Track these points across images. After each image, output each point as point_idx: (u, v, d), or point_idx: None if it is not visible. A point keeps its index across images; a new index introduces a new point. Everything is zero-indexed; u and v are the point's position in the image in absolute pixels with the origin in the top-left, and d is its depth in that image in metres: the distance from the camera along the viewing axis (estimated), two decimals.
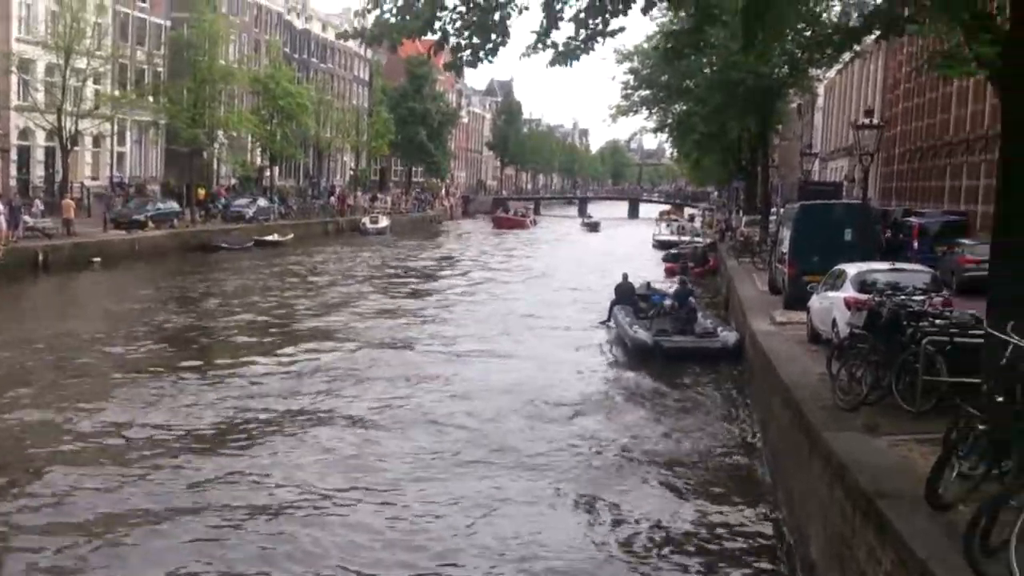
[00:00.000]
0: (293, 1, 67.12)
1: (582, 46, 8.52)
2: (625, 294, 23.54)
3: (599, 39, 8.53)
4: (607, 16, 8.32)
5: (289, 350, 19.46)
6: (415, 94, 76.26)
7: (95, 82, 40.90)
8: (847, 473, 7.75)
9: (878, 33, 10.66)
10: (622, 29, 8.54)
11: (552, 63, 8.62)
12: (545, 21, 8.51)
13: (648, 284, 25.26)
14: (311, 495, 10.86)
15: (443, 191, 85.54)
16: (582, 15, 8.36)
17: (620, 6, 8.26)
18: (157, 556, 9.09)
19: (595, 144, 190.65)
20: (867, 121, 19.01)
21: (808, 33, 17.25)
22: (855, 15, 11.37)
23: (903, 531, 6.18)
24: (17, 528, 9.67)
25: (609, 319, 23.05)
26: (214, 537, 9.60)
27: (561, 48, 8.54)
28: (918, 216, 25.59)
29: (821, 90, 53.29)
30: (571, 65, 8.67)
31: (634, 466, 12.53)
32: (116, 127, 45.47)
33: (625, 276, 24.55)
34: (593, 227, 72.30)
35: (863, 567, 7.02)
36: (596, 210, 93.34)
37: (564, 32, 8.58)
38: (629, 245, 52.56)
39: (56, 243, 31.68)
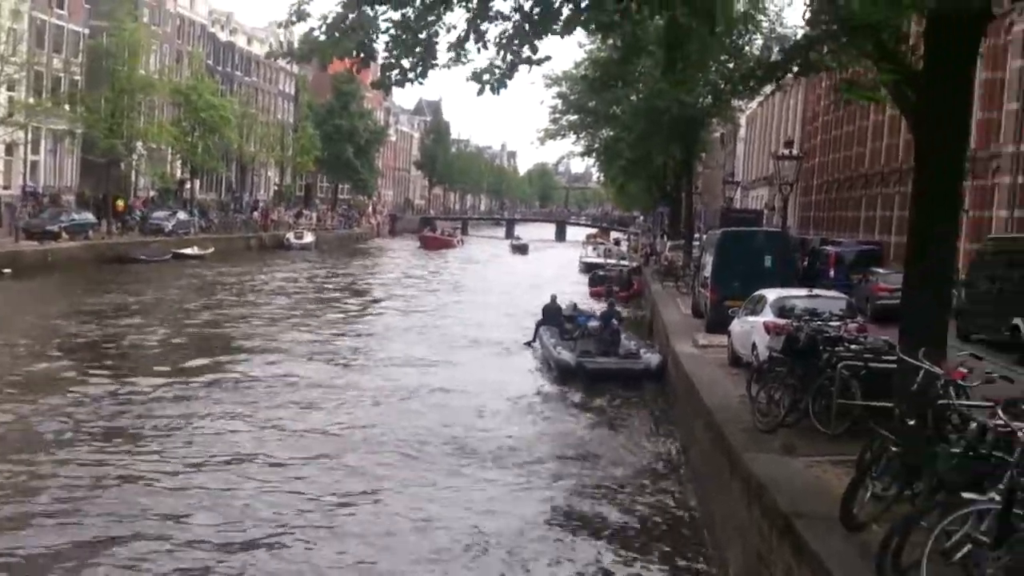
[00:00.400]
0: (217, 14, 66.12)
1: (507, 72, 8.53)
2: (552, 315, 23.66)
3: (524, 66, 8.56)
4: (530, 40, 8.36)
5: (205, 364, 19.05)
6: (342, 111, 75.70)
7: (9, 89, 39.60)
8: (765, 493, 7.90)
9: (797, 69, 11.02)
10: (548, 58, 8.59)
11: (480, 92, 8.59)
12: (472, 38, 8.49)
13: (575, 306, 25.42)
14: (202, 507, 10.68)
15: (370, 208, 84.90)
16: (505, 40, 8.38)
17: (541, 28, 8.30)
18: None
19: (523, 166, 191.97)
20: (787, 152, 19.53)
21: (731, 65, 17.67)
22: (776, 50, 11.72)
23: (819, 551, 6.30)
24: None
25: (535, 340, 23.11)
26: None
27: (486, 76, 8.52)
28: (834, 245, 26.39)
29: (743, 120, 54.74)
30: (498, 92, 8.68)
31: (558, 486, 12.53)
32: (30, 135, 43.95)
33: (553, 297, 24.65)
34: (521, 249, 70.79)
35: None
36: (523, 231, 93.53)
37: (488, 57, 8.60)
38: (556, 267, 52.91)
39: None
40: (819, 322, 11.42)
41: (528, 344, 23.35)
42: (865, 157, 33.45)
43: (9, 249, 33.11)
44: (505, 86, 8.55)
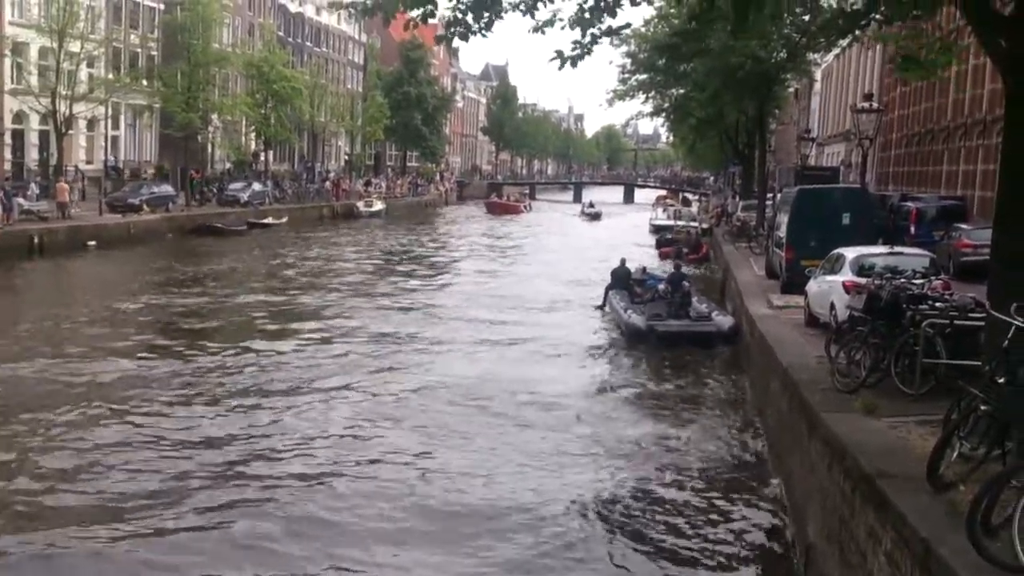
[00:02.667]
0: None
1: (588, 47, 8.45)
2: (621, 279, 23.52)
3: (602, 39, 8.48)
4: (610, 9, 8.25)
5: (286, 335, 19.49)
6: (410, 78, 75.92)
7: (89, 65, 40.67)
8: (846, 454, 7.78)
9: (879, 18, 10.62)
10: (628, 25, 8.49)
11: (560, 67, 8.55)
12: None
13: (644, 269, 25.22)
14: (308, 477, 10.90)
15: (438, 176, 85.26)
16: (585, 15, 8.28)
17: (617, 3, 8.19)
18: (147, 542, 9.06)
19: (591, 129, 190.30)
20: (866, 105, 18.93)
21: (807, 17, 17.14)
22: None
23: (905, 510, 6.19)
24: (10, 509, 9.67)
25: (604, 304, 23.05)
26: (210, 525, 9.52)
27: (567, 54, 8.46)
28: (915, 201, 25.55)
29: (819, 75, 53.16)
30: (577, 66, 8.62)
31: (633, 448, 12.57)
32: (110, 111, 45.24)
33: (623, 261, 24.51)
34: (594, 217, 65.87)
35: (862, 547, 7.05)
36: (591, 195, 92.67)
37: (568, 34, 8.57)
38: (625, 230, 52.57)
39: (51, 226, 31.57)
40: (901, 280, 11.13)
41: (598, 308, 23.32)
42: (947, 109, 32.25)
43: (94, 222, 34.20)
44: (584, 59, 8.49)
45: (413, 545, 9.28)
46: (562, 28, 8.40)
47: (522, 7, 8.24)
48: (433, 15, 8.21)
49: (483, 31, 8.25)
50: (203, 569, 8.55)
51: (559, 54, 8.38)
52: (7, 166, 39.46)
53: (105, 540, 9.07)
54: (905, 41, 11.22)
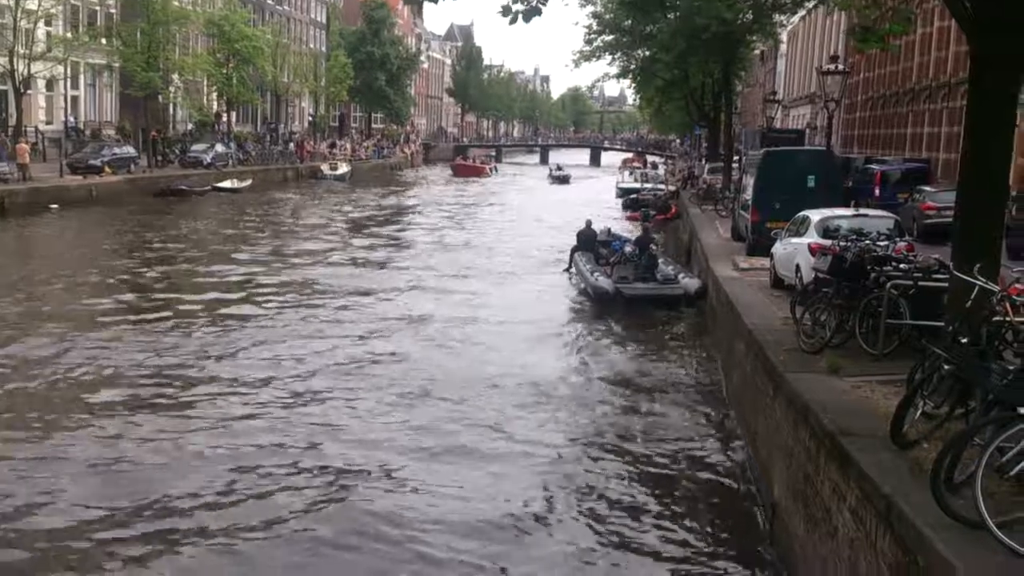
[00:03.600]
0: None
1: (538, 3, 8.33)
2: (587, 241, 23.49)
3: None
4: None
5: (249, 299, 19.27)
6: (373, 38, 74.92)
7: (47, 23, 39.64)
8: (810, 413, 7.91)
9: None
10: None
11: (512, 21, 8.43)
12: None
13: (609, 231, 25.17)
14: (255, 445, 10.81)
15: (403, 138, 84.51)
16: None
17: None
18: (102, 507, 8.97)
19: (556, 91, 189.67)
20: (832, 67, 19.03)
21: None
22: None
23: (868, 467, 6.33)
24: None
25: (570, 266, 23.09)
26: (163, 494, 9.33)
27: (516, 5, 8.33)
28: (880, 163, 25.83)
29: (784, 37, 53.23)
30: (529, 21, 8.50)
31: (598, 411, 12.68)
32: (69, 70, 44.16)
33: (588, 223, 24.47)
34: (562, 180, 64.91)
35: (827, 504, 7.21)
36: (557, 157, 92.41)
37: None
38: (591, 193, 52.56)
39: (12, 188, 30.93)
40: (866, 242, 11.27)
41: (565, 271, 23.36)
42: (912, 72, 32.49)
43: (55, 184, 33.55)
44: (539, 13, 8.38)
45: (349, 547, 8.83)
46: None
47: None
48: None
49: None
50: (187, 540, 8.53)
51: (508, 10, 8.27)
52: None
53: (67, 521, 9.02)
54: (865, 10, 11.29)
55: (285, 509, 9.09)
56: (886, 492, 5.89)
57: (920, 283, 9.62)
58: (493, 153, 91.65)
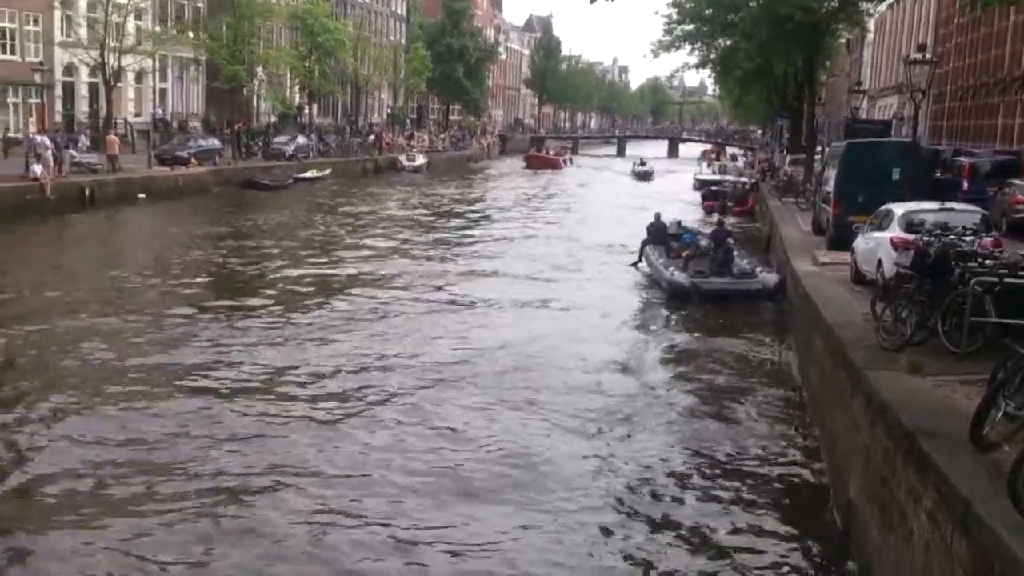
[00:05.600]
0: None
1: None
2: (657, 233, 23.19)
3: None
4: None
5: (330, 292, 19.52)
6: (452, 30, 75.37)
7: (137, 18, 40.99)
8: (889, 412, 7.73)
9: None
10: None
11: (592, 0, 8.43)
12: None
13: (679, 223, 24.77)
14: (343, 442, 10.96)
15: (480, 130, 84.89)
16: None
17: None
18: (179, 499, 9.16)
19: (635, 81, 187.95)
20: (919, 56, 18.43)
21: None
22: None
23: (946, 469, 6.17)
24: (43, 455, 9.96)
25: (640, 259, 22.88)
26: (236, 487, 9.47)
27: None
28: (969, 155, 24.92)
29: (871, 25, 51.75)
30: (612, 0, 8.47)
31: (675, 407, 12.61)
32: (158, 63, 45.63)
33: (658, 216, 24.14)
34: (644, 176, 59.47)
35: (903, 506, 7.04)
36: (635, 149, 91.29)
37: None
38: (669, 184, 51.99)
39: (102, 178, 32.08)
40: (951, 236, 10.94)
41: (634, 264, 23.16)
42: (1004, 60, 31.26)
43: (143, 175, 34.69)
44: None
45: (444, 505, 9.20)
46: None
47: None
48: None
49: None
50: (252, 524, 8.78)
51: None
52: (58, 118, 40.08)
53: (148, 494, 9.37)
54: None
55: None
56: (964, 495, 5.73)
57: (1006, 280, 9.30)
58: (569, 145, 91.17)
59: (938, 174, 22.80)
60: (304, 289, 19.54)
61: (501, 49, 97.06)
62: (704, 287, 19.15)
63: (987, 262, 9.85)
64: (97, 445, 10.28)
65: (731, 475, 10.23)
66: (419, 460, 10.25)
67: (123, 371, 13.01)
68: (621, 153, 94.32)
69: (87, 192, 30.38)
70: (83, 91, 42.33)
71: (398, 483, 9.59)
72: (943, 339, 9.54)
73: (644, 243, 23.02)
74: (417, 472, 9.91)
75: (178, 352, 14.04)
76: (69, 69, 41.06)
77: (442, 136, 73.57)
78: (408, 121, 77.19)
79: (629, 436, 11.31)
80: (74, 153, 32.75)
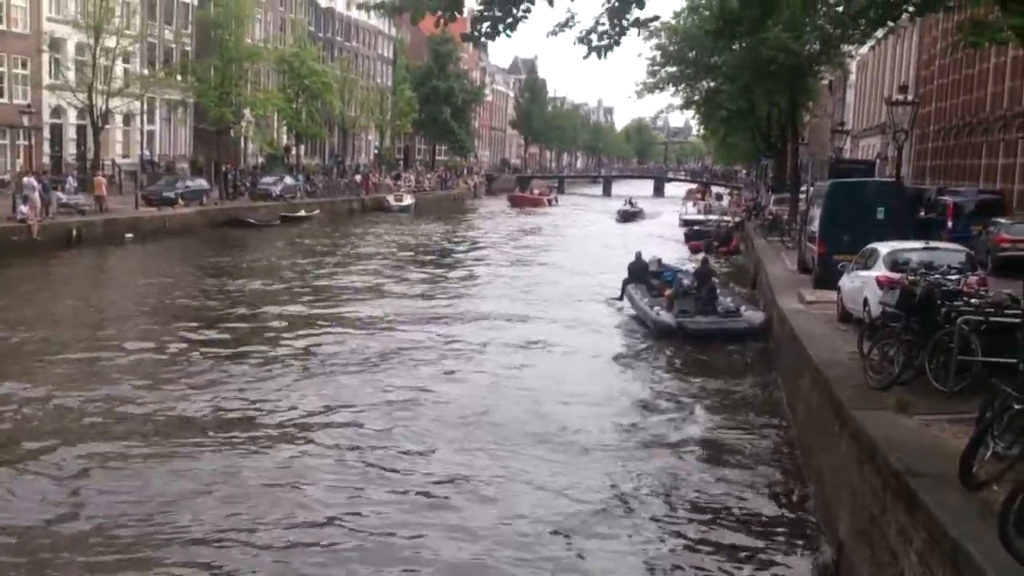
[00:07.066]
0: None
1: (616, 37, 8.46)
2: (638, 272, 23.23)
3: (633, 28, 8.48)
4: (636, 5, 8.25)
5: (318, 330, 19.47)
6: (439, 72, 76.12)
7: (124, 61, 41.25)
8: (878, 452, 7.71)
9: (913, 8, 10.48)
10: (656, 17, 8.47)
11: (586, 55, 8.56)
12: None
13: (659, 261, 24.83)
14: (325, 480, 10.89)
15: (466, 170, 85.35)
16: (616, 4, 8.29)
17: None
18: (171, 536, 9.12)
19: (620, 122, 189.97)
20: (901, 97, 18.68)
21: (840, 8, 16.95)
22: None
23: (935, 509, 6.13)
24: (31, 500, 9.82)
25: (621, 297, 22.89)
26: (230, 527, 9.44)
27: (593, 40, 8.47)
28: (952, 195, 25.17)
29: (853, 67, 52.56)
30: (606, 57, 8.62)
31: (662, 447, 12.53)
32: (145, 106, 45.82)
33: (638, 255, 24.18)
34: (631, 216, 56.72)
35: (893, 546, 7.00)
36: (621, 189, 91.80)
37: (595, 24, 8.51)
38: (654, 224, 52.21)
39: (89, 219, 32.05)
40: (936, 276, 11.00)
41: (614, 299, 23.15)
42: (985, 101, 31.73)
43: (130, 215, 34.67)
44: (613, 49, 8.47)
45: (429, 537, 9.22)
46: (586, 37, 8.41)
47: (548, 5, 8.26)
48: (459, 13, 8.23)
49: (508, 31, 8.27)
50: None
51: (586, 40, 8.37)
52: (45, 160, 40.09)
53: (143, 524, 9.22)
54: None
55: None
56: (953, 535, 5.70)
57: (992, 318, 9.35)
58: (555, 184, 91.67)
59: (922, 213, 23.01)
60: (290, 329, 19.42)
61: (487, 91, 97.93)
62: (690, 327, 19.13)
63: (973, 301, 9.91)
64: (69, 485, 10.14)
65: (721, 515, 10.14)
66: (391, 506, 10.16)
67: (104, 411, 12.85)
68: (607, 193, 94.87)
69: (74, 233, 30.32)
70: (71, 133, 42.40)
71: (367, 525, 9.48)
72: (930, 378, 9.56)
73: (625, 282, 23.04)
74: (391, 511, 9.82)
75: (160, 393, 13.88)
76: (57, 111, 41.17)
77: (429, 176, 73.91)
78: (395, 162, 77.54)
79: (618, 478, 11.19)
80: (61, 195, 32.73)
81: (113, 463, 10.98)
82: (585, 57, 8.57)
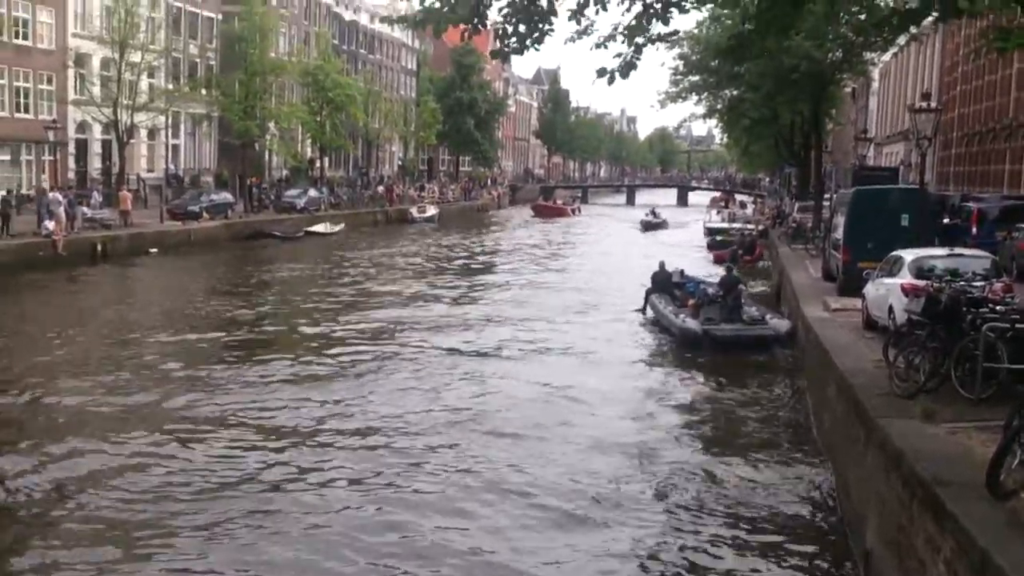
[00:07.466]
0: None
1: (633, 58, 8.48)
2: (662, 282, 23.21)
3: (648, 47, 8.49)
4: (661, 16, 8.25)
5: (342, 344, 19.43)
6: (462, 84, 76.40)
7: (149, 76, 41.68)
8: (904, 460, 7.65)
9: (936, 15, 10.40)
10: (675, 32, 8.46)
11: (610, 81, 8.59)
12: (592, 3, 8.47)
13: (682, 272, 24.77)
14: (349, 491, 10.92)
15: (490, 180, 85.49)
16: (634, 22, 8.30)
17: (666, 12, 8.18)
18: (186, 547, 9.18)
19: (643, 131, 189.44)
20: (924, 104, 18.59)
21: (863, 16, 16.86)
22: None
23: (963, 519, 6.08)
24: (51, 506, 9.97)
25: (645, 307, 22.85)
26: (246, 538, 9.47)
27: (612, 67, 8.51)
28: (977, 201, 24.92)
29: (876, 74, 52.29)
30: (627, 77, 8.63)
31: (689, 455, 12.52)
32: (170, 120, 46.30)
33: (662, 264, 24.11)
34: (655, 227, 55.69)
35: (921, 555, 6.93)
36: (644, 198, 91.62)
37: (613, 31, 8.54)
38: (678, 233, 52.05)
39: (114, 233, 32.42)
40: (961, 282, 10.92)
41: (638, 311, 23.11)
42: (1009, 107, 31.47)
43: (155, 229, 35.03)
44: (635, 68, 8.48)
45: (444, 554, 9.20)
46: (604, 43, 8.42)
47: (571, 17, 8.27)
48: (483, 27, 8.26)
49: (535, 45, 8.28)
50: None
51: (604, 71, 8.42)
52: (71, 175, 40.58)
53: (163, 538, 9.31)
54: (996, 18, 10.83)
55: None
56: (982, 545, 5.64)
57: (1018, 325, 9.25)
58: (578, 194, 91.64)
59: (947, 220, 22.80)
60: (315, 340, 19.55)
61: (510, 102, 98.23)
62: (716, 334, 19.06)
63: (998, 308, 9.82)
64: (100, 498, 10.26)
65: (749, 524, 10.08)
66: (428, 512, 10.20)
67: (127, 422, 12.99)
68: (630, 202, 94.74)
69: (99, 247, 30.68)
70: (96, 148, 42.92)
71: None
72: (956, 385, 9.48)
73: (648, 292, 23.01)
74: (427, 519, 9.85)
75: (186, 405, 14.01)
76: (82, 127, 41.70)
77: (452, 187, 74.12)
78: (419, 173, 77.83)
79: (645, 487, 11.17)
80: (86, 210, 33.12)
81: (118, 467, 11.11)
82: (610, 84, 8.57)
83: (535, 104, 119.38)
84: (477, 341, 19.92)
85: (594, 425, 13.53)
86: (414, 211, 56.86)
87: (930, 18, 10.64)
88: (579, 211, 72.60)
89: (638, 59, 8.32)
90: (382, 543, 9.34)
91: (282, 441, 12.47)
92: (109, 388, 14.91)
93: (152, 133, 45.72)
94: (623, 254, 40.07)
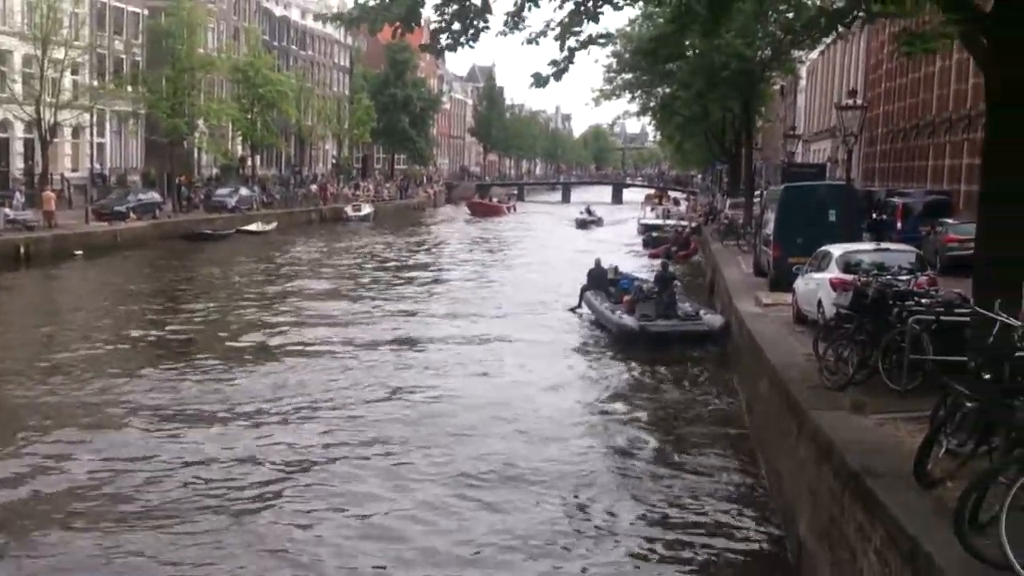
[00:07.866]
0: None
1: (566, 63, 8.53)
2: (597, 279, 23.32)
3: (581, 51, 8.55)
4: (592, 16, 8.30)
5: (274, 345, 19.14)
6: (396, 80, 75.87)
7: (73, 72, 40.46)
8: (835, 452, 7.80)
9: (861, 15, 10.65)
10: (608, 34, 8.55)
11: (543, 84, 8.63)
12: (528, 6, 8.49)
13: (616, 268, 24.92)
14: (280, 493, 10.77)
15: (426, 178, 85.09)
16: (566, 21, 8.34)
17: (596, 9, 8.25)
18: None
19: (578, 128, 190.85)
20: (850, 102, 19.00)
21: (791, 15, 17.18)
22: None
23: (893, 508, 6.21)
24: None
25: (580, 305, 22.96)
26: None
27: (545, 72, 8.54)
28: (901, 196, 25.64)
29: (804, 72, 53.39)
30: (560, 79, 8.68)
31: (623, 450, 12.59)
32: (95, 118, 44.97)
33: (598, 261, 24.23)
34: (589, 224, 56.48)
35: (852, 544, 7.07)
36: (579, 195, 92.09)
37: (545, 27, 8.56)
38: (612, 231, 52.44)
39: (37, 235, 31.40)
40: (888, 276, 11.18)
41: (573, 309, 23.21)
42: (932, 104, 32.41)
43: (81, 231, 34.04)
44: (567, 71, 8.52)
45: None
46: (535, 39, 8.46)
47: (507, 22, 8.28)
48: (416, 25, 8.20)
49: (470, 42, 8.27)
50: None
51: (539, 77, 8.45)
52: None
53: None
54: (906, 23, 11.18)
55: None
56: (911, 533, 5.77)
57: (942, 318, 9.51)
58: (515, 192, 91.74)
59: (873, 215, 23.37)
60: (245, 341, 19.19)
61: (445, 99, 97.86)
62: (651, 330, 19.23)
63: (923, 301, 10.07)
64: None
65: (681, 519, 10.16)
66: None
67: (46, 430, 12.60)
68: (566, 199, 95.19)
69: (22, 250, 29.68)
70: (18, 147, 41.53)
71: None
72: (884, 377, 9.70)
73: (584, 289, 23.10)
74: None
75: (114, 410, 13.63)
76: (3, 125, 40.30)
77: (388, 185, 73.58)
78: (353, 171, 77.08)
79: (578, 484, 11.18)
80: (8, 211, 32.05)
81: (63, 481, 10.76)
82: (543, 87, 8.61)
83: (470, 101, 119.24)
84: (411, 339, 19.81)
85: (531, 420, 13.53)
86: (349, 210, 56.32)
87: (858, 17, 10.90)
88: (515, 209, 72.73)
89: (566, 68, 8.38)
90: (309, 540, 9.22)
91: (210, 443, 12.21)
92: (30, 399, 14.40)
93: (76, 131, 44.37)
94: (559, 251, 40.17)
